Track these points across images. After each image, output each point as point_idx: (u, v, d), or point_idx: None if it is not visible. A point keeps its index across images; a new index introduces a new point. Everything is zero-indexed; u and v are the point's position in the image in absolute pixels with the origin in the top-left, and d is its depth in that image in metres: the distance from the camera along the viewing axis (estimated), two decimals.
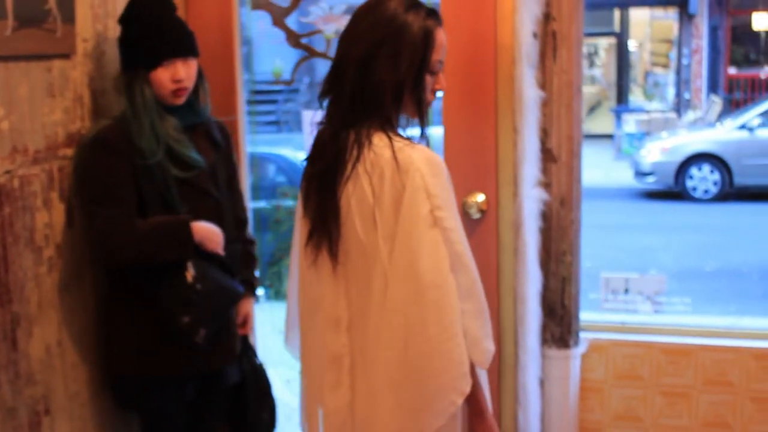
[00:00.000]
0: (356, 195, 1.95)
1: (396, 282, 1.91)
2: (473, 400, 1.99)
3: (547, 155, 3.07)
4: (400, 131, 2.03)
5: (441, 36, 2.01)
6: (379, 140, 1.94)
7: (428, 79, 2.00)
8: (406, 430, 1.95)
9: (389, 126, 1.98)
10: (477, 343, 1.93)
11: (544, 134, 3.06)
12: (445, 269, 1.89)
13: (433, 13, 2.01)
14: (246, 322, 2.76)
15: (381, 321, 1.94)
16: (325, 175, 2.01)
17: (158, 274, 2.41)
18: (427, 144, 2.03)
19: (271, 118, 11.43)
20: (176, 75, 2.43)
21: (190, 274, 2.41)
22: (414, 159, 1.91)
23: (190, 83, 2.48)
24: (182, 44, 2.46)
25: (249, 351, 2.78)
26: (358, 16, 2.01)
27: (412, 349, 1.90)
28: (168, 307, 2.41)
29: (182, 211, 2.44)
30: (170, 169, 2.43)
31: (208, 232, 2.47)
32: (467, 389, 1.92)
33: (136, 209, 2.40)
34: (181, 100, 2.48)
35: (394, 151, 1.92)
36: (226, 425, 2.76)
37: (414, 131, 2.05)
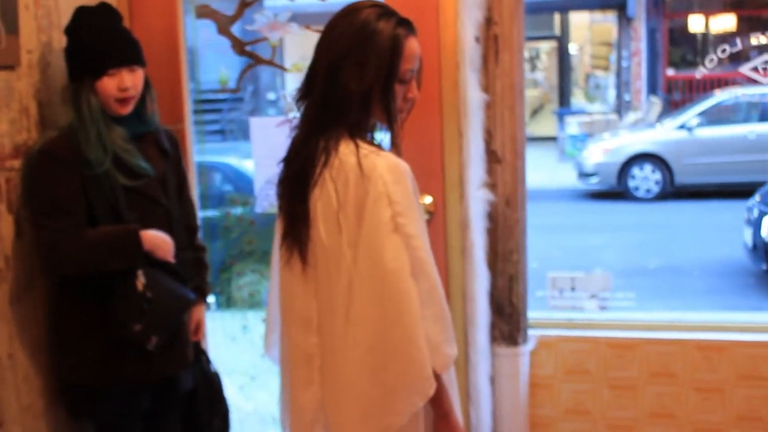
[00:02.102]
0: (322, 200, 1.98)
1: (359, 286, 1.94)
2: (437, 403, 2.01)
3: (492, 156, 3.13)
4: (373, 137, 2.06)
5: (412, 45, 2.02)
6: (345, 147, 1.96)
7: (398, 87, 2.01)
8: (369, 427, 1.98)
9: (358, 132, 2.00)
10: (437, 348, 1.95)
11: (489, 136, 3.12)
12: (405, 275, 1.91)
13: (405, 23, 2.02)
14: (198, 328, 2.77)
15: (346, 323, 1.97)
16: (295, 180, 2.04)
17: (109, 283, 2.41)
18: (398, 151, 2.04)
19: (216, 127, 11.38)
20: (122, 84, 2.44)
21: (141, 282, 2.42)
22: (377, 166, 1.93)
23: (136, 92, 2.49)
24: (127, 53, 2.47)
25: (202, 357, 2.79)
26: (332, 24, 2.04)
27: (375, 351, 1.93)
28: (119, 315, 2.41)
29: (131, 220, 2.45)
30: (118, 179, 2.43)
31: (157, 240, 2.48)
32: (430, 392, 1.94)
33: (85, 219, 2.40)
34: (128, 110, 2.48)
35: (359, 158, 1.94)
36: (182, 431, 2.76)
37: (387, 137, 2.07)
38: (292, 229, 2.06)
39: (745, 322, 3.50)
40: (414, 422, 2.01)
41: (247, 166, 6.44)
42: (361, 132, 2.01)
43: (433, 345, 1.93)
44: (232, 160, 6.97)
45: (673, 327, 3.43)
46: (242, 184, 6.30)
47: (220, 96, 10.14)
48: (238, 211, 3.43)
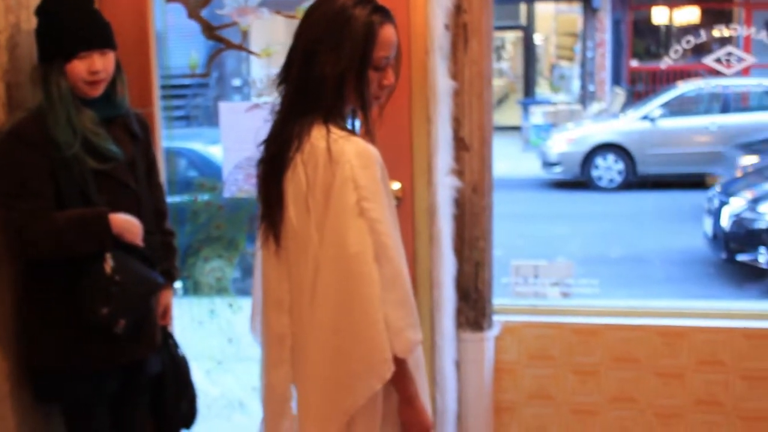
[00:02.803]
0: (293, 183, 2.02)
1: (324, 269, 1.98)
2: (401, 387, 2.05)
3: (460, 144, 3.16)
4: (348, 122, 2.09)
5: (387, 32, 2.04)
6: (317, 132, 1.99)
7: (373, 74, 2.04)
8: (329, 407, 2.01)
9: (332, 118, 2.02)
10: (399, 333, 1.97)
11: (457, 123, 3.15)
12: (368, 259, 1.94)
13: (381, 10, 2.04)
14: (166, 312, 2.78)
15: (312, 305, 2.01)
16: (272, 163, 2.07)
17: (77, 266, 2.41)
18: (372, 138, 2.06)
19: (180, 113, 11.32)
20: (93, 67, 2.43)
21: (109, 265, 2.42)
22: (345, 151, 1.96)
23: (106, 75, 2.48)
24: (99, 36, 2.46)
25: (169, 342, 2.80)
26: (311, 9, 2.06)
27: (336, 333, 1.97)
28: (87, 298, 2.41)
29: (100, 203, 2.44)
30: (88, 162, 2.43)
31: (126, 224, 2.48)
32: (387, 375, 1.97)
33: (54, 202, 2.40)
34: (98, 92, 2.48)
35: (329, 143, 1.97)
36: (149, 416, 2.76)
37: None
38: (268, 211, 2.10)
39: (705, 308, 3.57)
40: (372, 405, 2.03)
41: (213, 152, 6.41)
42: (335, 117, 2.03)
43: (394, 329, 1.96)
44: (198, 146, 6.94)
45: (635, 313, 3.49)
46: (207, 170, 6.28)
47: (187, 81, 10.10)
48: (205, 196, 3.43)
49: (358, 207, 1.95)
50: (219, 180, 3.36)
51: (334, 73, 1.99)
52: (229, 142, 3.22)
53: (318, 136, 1.99)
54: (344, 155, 1.96)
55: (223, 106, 3.26)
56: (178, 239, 2.94)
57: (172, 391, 2.77)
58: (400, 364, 2.00)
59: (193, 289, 3.43)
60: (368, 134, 2.07)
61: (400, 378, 2.01)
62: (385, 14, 2.05)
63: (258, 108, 3.16)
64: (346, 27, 2.00)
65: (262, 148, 2.14)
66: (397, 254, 2.00)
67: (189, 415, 2.84)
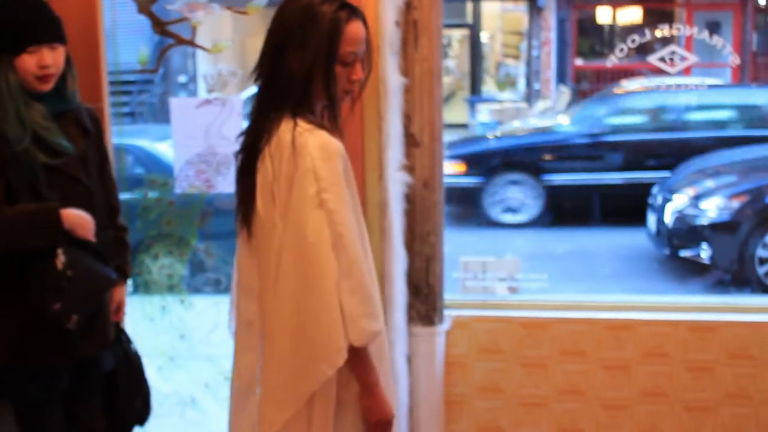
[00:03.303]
0: (261, 174, 2.08)
1: (285, 257, 2.03)
2: (360, 376, 2.09)
3: (410, 140, 3.19)
4: (317, 116, 2.12)
5: (354, 28, 2.08)
6: (285, 125, 2.05)
7: (340, 69, 2.08)
8: (286, 391, 2.06)
9: (301, 112, 2.07)
10: (354, 321, 2.01)
11: (407, 119, 3.18)
12: (325, 248, 2.00)
13: (348, 6, 2.09)
14: (119, 308, 2.77)
15: (275, 291, 2.06)
16: (246, 155, 2.15)
17: (28, 261, 2.39)
18: (341, 132, 2.13)
19: (126, 109, 11.21)
20: (42, 61, 2.41)
21: (61, 261, 2.40)
22: (308, 143, 2.02)
23: (57, 70, 2.46)
24: (48, 30, 2.44)
25: (122, 338, 2.78)
26: (281, 6, 2.11)
27: (294, 320, 2.03)
28: (38, 294, 2.39)
29: (51, 198, 2.43)
30: (38, 157, 2.41)
31: (78, 219, 2.46)
32: (339, 362, 2.01)
33: (4, 197, 2.38)
34: (48, 87, 2.46)
35: (294, 135, 2.03)
36: (103, 413, 2.74)
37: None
38: (242, 201, 2.17)
39: (651, 302, 3.65)
40: (327, 390, 2.07)
41: (159, 148, 6.37)
42: (303, 111, 2.08)
43: (350, 318, 2.01)
44: (144, 143, 6.89)
45: (582, 307, 3.55)
46: (155, 167, 6.23)
47: (133, 77, 10.00)
48: (156, 192, 3.41)
49: (317, 198, 2.01)
50: (169, 176, 3.36)
51: (301, 69, 2.04)
52: (179, 138, 3.22)
53: (285, 129, 2.05)
54: (306, 147, 2.02)
55: (174, 102, 3.25)
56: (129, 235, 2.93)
57: (125, 388, 2.75)
58: (358, 352, 2.03)
59: (144, 286, 3.41)
60: (335, 128, 2.13)
61: (359, 366, 2.06)
62: (353, 11, 2.10)
63: (209, 104, 3.16)
64: (313, 23, 2.04)
65: (240, 140, 2.20)
66: (353, 244, 2.04)
67: (143, 411, 2.83)
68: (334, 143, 2.06)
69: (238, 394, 2.23)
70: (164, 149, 6.17)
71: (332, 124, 2.13)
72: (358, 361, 2.05)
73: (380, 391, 2.12)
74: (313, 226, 2.00)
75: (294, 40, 2.05)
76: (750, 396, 3.48)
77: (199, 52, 3.22)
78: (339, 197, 2.03)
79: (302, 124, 2.05)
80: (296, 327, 2.03)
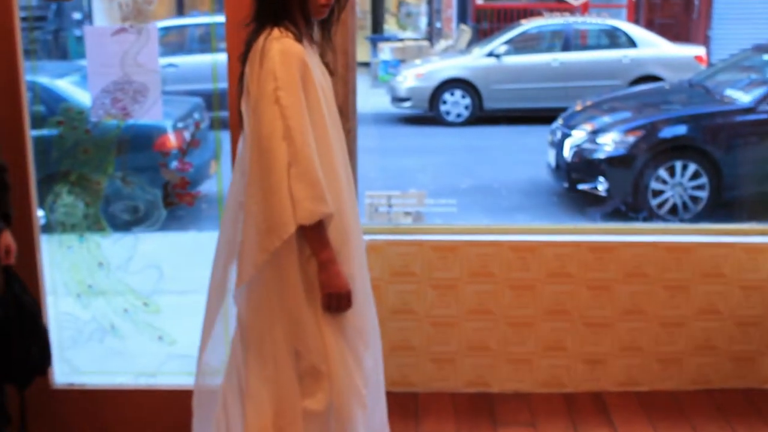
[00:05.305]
0: (246, 76, 2.43)
1: (251, 145, 2.37)
2: (315, 252, 2.40)
3: (325, 68, 3.25)
4: (296, 29, 2.41)
5: None
6: (264, 36, 2.38)
7: None
8: (245, 260, 2.42)
9: (282, 24, 2.38)
10: (299, 202, 2.31)
11: (321, 49, 3.23)
12: (276, 138, 2.31)
13: None
14: (9, 252, 2.74)
15: (249, 174, 2.38)
16: (242, 62, 2.48)
17: None
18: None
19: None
20: None
21: None
22: (273, 48, 2.35)
23: None
24: None
25: (14, 285, 2.75)
26: None
27: (253, 198, 2.37)
28: None
29: None
30: None
31: None
32: (284, 236, 2.33)
33: None
34: None
35: (265, 42, 2.36)
36: None
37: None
38: (239, 100, 2.49)
39: (554, 226, 3.83)
40: (290, 252, 2.39)
41: (60, 85, 6.26)
42: (284, 23, 2.39)
43: (296, 199, 2.32)
44: (44, 80, 6.75)
45: (490, 231, 3.71)
46: (55, 104, 6.12)
47: (23, 14, 9.71)
48: (71, 123, 3.39)
49: (274, 95, 2.32)
50: (82, 108, 3.36)
51: None
52: (95, 66, 3.21)
53: (261, 38, 2.38)
54: (271, 51, 2.34)
55: (89, 29, 3.24)
56: (44, 167, 2.92)
57: (18, 336, 2.72)
58: (311, 231, 2.36)
59: (61, 217, 3.41)
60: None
61: (313, 243, 2.39)
62: None
63: (125, 32, 3.16)
64: None
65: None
66: (301, 136, 2.32)
67: (41, 360, 2.83)
68: (295, 49, 2.36)
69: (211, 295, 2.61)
70: (65, 86, 6.06)
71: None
72: (311, 238, 2.38)
73: (335, 267, 2.41)
74: (268, 119, 2.31)
75: None
76: (644, 311, 3.70)
77: None
78: (292, 95, 2.33)
79: (275, 33, 2.37)
80: (255, 205, 2.36)
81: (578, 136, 6.85)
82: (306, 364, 2.47)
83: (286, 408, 2.47)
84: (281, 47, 2.35)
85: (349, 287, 2.45)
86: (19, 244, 2.83)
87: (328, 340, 2.45)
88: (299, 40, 2.39)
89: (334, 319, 2.48)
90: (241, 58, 2.49)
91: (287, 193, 2.31)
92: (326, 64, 2.60)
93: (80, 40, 4.80)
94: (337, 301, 2.44)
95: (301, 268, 2.43)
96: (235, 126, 3.06)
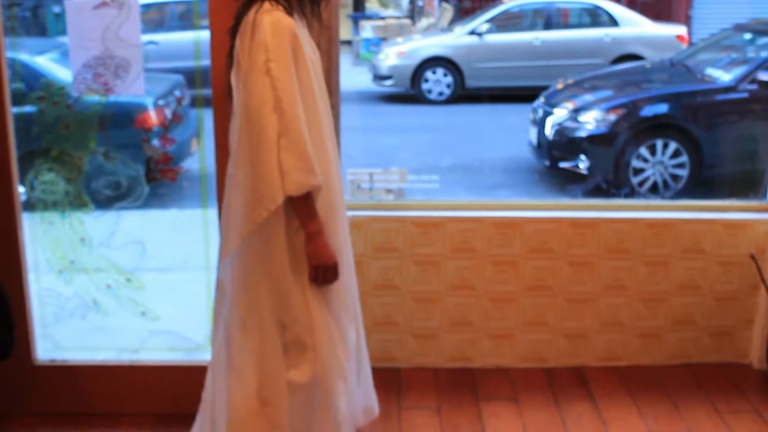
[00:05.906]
0: (236, 49, 2.44)
1: (241, 117, 2.37)
2: (303, 224, 2.42)
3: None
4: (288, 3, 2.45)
5: None
6: (255, 8, 2.40)
7: None
8: (234, 234, 2.43)
9: (281, 2, 2.41)
10: (288, 173, 2.32)
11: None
12: (266, 109, 2.32)
13: None
14: None
15: (238, 146, 2.40)
16: (232, 35, 2.50)
17: None
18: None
19: None
20: None
21: None
22: (264, 20, 2.36)
23: None
24: None
25: None
26: None
27: (241, 170, 2.38)
28: None
29: None
30: None
31: None
32: (271, 207, 2.33)
33: None
34: None
35: (257, 15, 2.38)
36: None
37: None
38: (228, 72, 2.51)
39: (535, 202, 3.85)
40: (278, 223, 2.41)
41: (40, 61, 6.20)
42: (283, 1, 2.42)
43: (285, 171, 2.33)
44: (24, 56, 6.69)
45: (472, 207, 3.72)
46: (35, 81, 6.08)
47: None
48: (52, 98, 3.37)
49: (265, 66, 2.33)
50: (63, 83, 3.34)
51: None
52: (76, 41, 3.19)
53: (252, 11, 2.40)
54: (263, 23, 2.35)
55: (69, 4, 3.22)
56: (27, 144, 2.89)
57: None
58: (299, 202, 2.36)
59: (41, 194, 3.39)
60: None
61: (301, 215, 2.41)
62: None
63: (106, 6, 3.14)
64: None
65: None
66: (291, 108, 2.33)
67: (5, 344, 2.80)
68: (286, 21, 2.37)
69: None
70: (44, 63, 6.01)
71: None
72: (299, 209, 2.40)
73: (322, 239, 2.43)
74: (259, 91, 2.32)
75: None
76: (625, 287, 3.74)
77: None
78: (283, 67, 2.33)
79: (267, 6, 2.39)
80: (243, 176, 2.37)
81: (560, 114, 6.87)
82: (291, 335, 2.48)
83: (271, 380, 2.49)
84: (273, 19, 2.36)
85: (336, 259, 2.47)
86: (0, 222, 2.82)
87: (314, 312, 2.47)
88: (290, 13, 2.41)
89: (320, 292, 2.49)
90: (231, 31, 2.50)
91: (276, 164, 2.31)
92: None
93: (59, 17, 4.78)
94: (323, 272, 2.46)
95: (288, 240, 2.44)
96: (218, 104, 3.06)
